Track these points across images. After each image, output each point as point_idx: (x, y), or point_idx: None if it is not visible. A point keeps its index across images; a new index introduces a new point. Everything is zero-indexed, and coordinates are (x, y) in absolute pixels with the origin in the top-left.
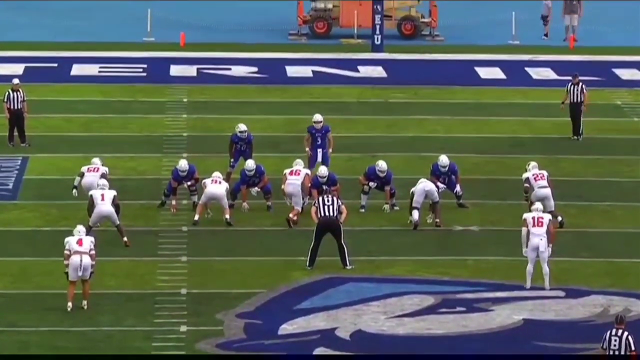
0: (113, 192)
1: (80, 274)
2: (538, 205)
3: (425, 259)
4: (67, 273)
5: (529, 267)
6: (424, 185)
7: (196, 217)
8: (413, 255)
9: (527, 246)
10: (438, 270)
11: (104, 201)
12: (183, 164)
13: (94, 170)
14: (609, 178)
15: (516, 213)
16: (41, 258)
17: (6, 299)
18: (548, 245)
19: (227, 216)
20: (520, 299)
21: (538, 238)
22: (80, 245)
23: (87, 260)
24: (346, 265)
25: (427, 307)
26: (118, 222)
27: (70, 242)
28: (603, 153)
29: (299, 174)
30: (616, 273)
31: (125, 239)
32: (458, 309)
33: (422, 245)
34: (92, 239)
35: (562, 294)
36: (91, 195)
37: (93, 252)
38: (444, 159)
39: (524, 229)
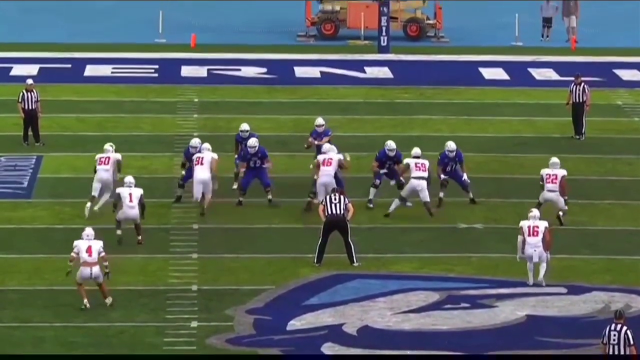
0: (140, 191)
1: (92, 280)
2: (535, 212)
3: (430, 256)
4: (69, 272)
5: (529, 265)
6: (416, 184)
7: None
8: (418, 253)
9: (522, 253)
10: (443, 267)
11: (132, 203)
12: (195, 141)
13: (105, 162)
14: (610, 177)
15: (519, 211)
16: (55, 255)
17: (21, 295)
18: (546, 251)
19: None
20: (523, 295)
21: (532, 249)
22: (89, 256)
23: (96, 270)
24: (353, 262)
25: (433, 303)
26: (139, 222)
27: (80, 248)
28: (604, 152)
29: (330, 163)
30: (617, 270)
31: (139, 237)
32: (462, 305)
33: (427, 243)
34: (101, 243)
35: (564, 290)
36: (119, 194)
37: (102, 254)
38: (451, 144)
39: (519, 237)
